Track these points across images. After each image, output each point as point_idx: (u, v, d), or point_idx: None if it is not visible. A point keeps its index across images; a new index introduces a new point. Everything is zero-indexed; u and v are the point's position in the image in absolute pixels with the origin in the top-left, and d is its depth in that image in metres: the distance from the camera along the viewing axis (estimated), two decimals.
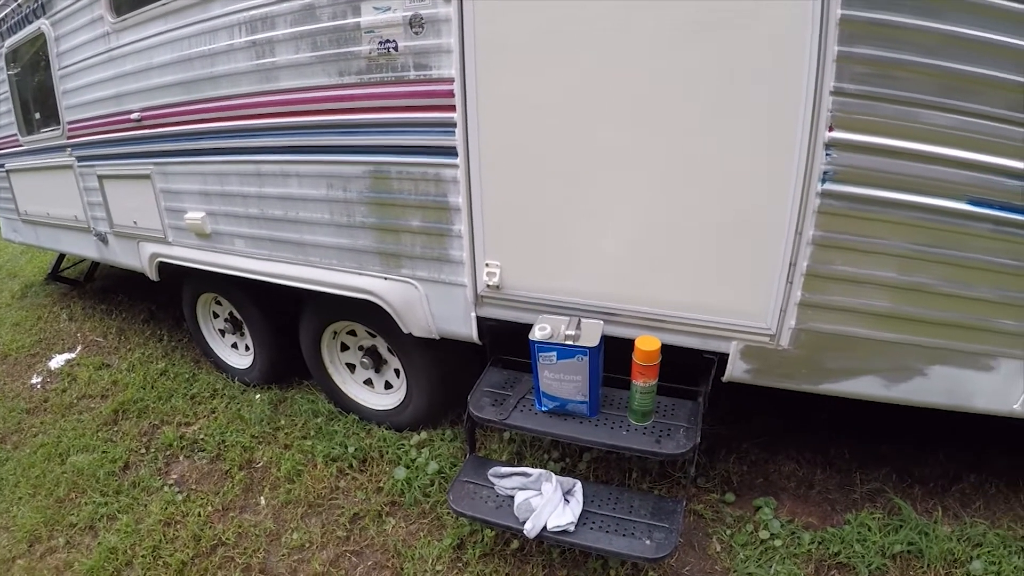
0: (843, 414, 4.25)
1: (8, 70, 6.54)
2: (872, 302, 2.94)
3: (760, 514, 3.75)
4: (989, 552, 3.41)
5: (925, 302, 2.90)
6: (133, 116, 4.79)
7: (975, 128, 2.60)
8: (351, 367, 4.91)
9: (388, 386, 4.82)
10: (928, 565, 3.39)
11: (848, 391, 3.24)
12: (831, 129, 2.68)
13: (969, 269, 2.82)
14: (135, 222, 5.35)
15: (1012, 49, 2.49)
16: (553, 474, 3.46)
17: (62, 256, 8.48)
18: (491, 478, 3.58)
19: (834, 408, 3.94)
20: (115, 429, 5.33)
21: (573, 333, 3.30)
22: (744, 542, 3.62)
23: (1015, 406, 3.06)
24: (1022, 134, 2.59)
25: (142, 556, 3.99)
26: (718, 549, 3.62)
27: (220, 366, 5.88)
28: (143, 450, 5.01)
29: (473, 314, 3.75)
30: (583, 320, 3.41)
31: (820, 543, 3.56)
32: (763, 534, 3.64)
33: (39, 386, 6.28)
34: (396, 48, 3.34)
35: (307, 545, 3.94)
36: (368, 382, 4.90)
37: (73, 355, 6.78)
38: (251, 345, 5.46)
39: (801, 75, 2.65)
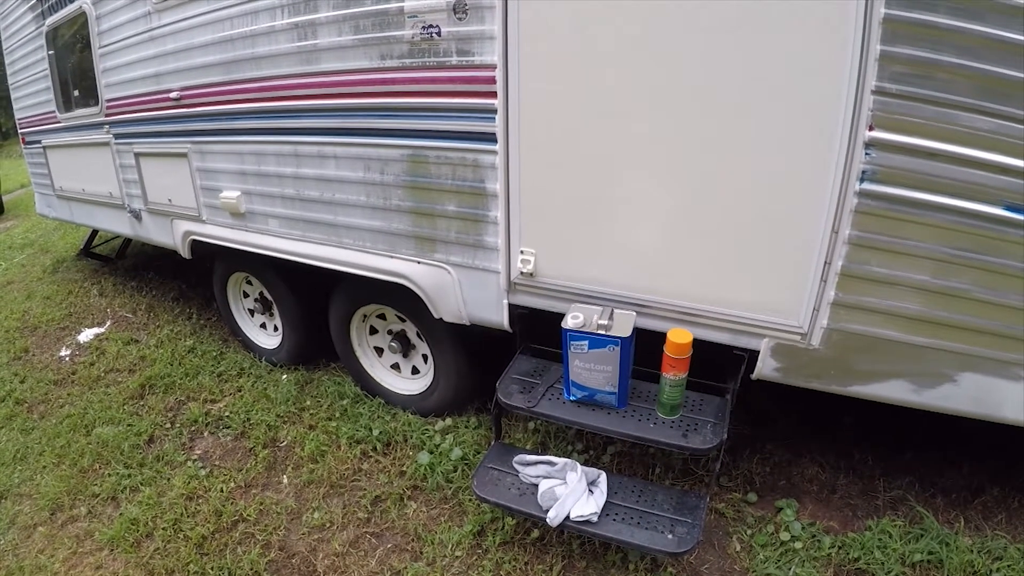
0: (868, 419, 4.24)
1: (49, 48, 6.60)
2: (905, 305, 2.92)
3: (782, 515, 3.74)
4: (1009, 566, 3.37)
5: (958, 307, 2.87)
6: (172, 95, 4.84)
7: (1015, 133, 2.56)
8: (379, 351, 4.93)
9: (415, 371, 4.83)
10: (948, 575, 3.36)
11: (877, 394, 3.21)
12: (871, 128, 2.66)
13: (1004, 275, 2.78)
14: (170, 200, 5.40)
15: None
16: (578, 464, 3.47)
17: (94, 233, 8.58)
18: (516, 465, 3.58)
19: (859, 412, 3.93)
20: (141, 403, 5.38)
21: (606, 323, 3.29)
22: (764, 543, 3.60)
23: None
24: None
25: (163, 528, 4.03)
26: (738, 548, 3.61)
27: (248, 345, 5.93)
28: (168, 425, 5.06)
29: (505, 301, 3.76)
30: (616, 311, 3.40)
31: (840, 547, 3.54)
32: (784, 536, 3.63)
33: (68, 359, 6.35)
34: (439, 33, 3.36)
35: (328, 525, 3.96)
36: (395, 366, 4.92)
37: (102, 330, 6.85)
38: (280, 326, 5.50)
39: (843, 73, 2.64)
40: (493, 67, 3.26)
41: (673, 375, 3.25)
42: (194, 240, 5.35)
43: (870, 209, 2.78)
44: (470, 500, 3.95)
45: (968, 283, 2.82)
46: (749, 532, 3.68)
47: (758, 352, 3.28)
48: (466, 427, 4.55)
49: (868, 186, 2.74)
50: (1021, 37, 2.45)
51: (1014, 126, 2.56)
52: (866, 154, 2.70)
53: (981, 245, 2.75)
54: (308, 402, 5.07)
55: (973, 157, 2.62)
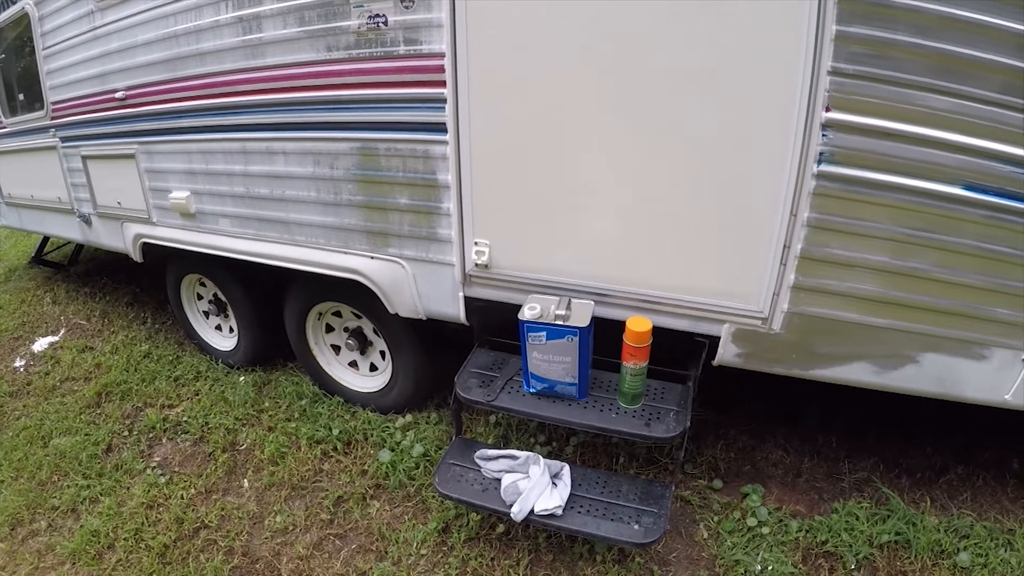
0: (832, 403, 4.24)
1: None
2: (866, 286, 2.92)
3: (748, 501, 3.74)
4: (976, 544, 3.42)
5: (919, 288, 2.88)
6: (118, 95, 4.73)
7: (972, 112, 2.57)
8: (336, 349, 4.88)
9: (373, 368, 4.79)
10: (915, 555, 3.38)
11: (839, 377, 3.22)
12: (828, 109, 2.65)
13: (963, 255, 2.80)
14: (119, 203, 5.30)
15: (1010, 33, 2.46)
16: (541, 457, 3.43)
17: (46, 239, 8.46)
18: (478, 461, 3.54)
19: (823, 396, 3.93)
20: (98, 411, 5.28)
21: (563, 313, 3.26)
22: (731, 529, 3.61)
23: (1006, 396, 3.05)
24: (1019, 119, 2.57)
25: (124, 539, 3.95)
26: (705, 536, 3.61)
27: (204, 348, 5.85)
28: (126, 432, 4.97)
29: (461, 294, 3.71)
30: (574, 300, 3.37)
31: (808, 531, 3.56)
32: (750, 521, 3.63)
33: (22, 369, 6.23)
34: (386, 23, 3.30)
35: (290, 528, 3.91)
36: (353, 364, 4.87)
37: (56, 338, 6.73)
38: (235, 327, 5.42)
39: (799, 54, 2.62)
40: (441, 56, 3.21)
41: (633, 364, 3.23)
42: (145, 243, 5.25)
43: (828, 191, 2.78)
44: (433, 497, 3.91)
45: (929, 264, 2.83)
46: (716, 519, 3.69)
47: (719, 338, 3.27)
48: (427, 423, 4.52)
49: (826, 168, 2.74)
50: (977, 16, 2.45)
51: (973, 105, 2.58)
52: (823, 135, 2.69)
53: (941, 225, 2.76)
54: (267, 403, 5.01)
55: (932, 137, 2.63)
